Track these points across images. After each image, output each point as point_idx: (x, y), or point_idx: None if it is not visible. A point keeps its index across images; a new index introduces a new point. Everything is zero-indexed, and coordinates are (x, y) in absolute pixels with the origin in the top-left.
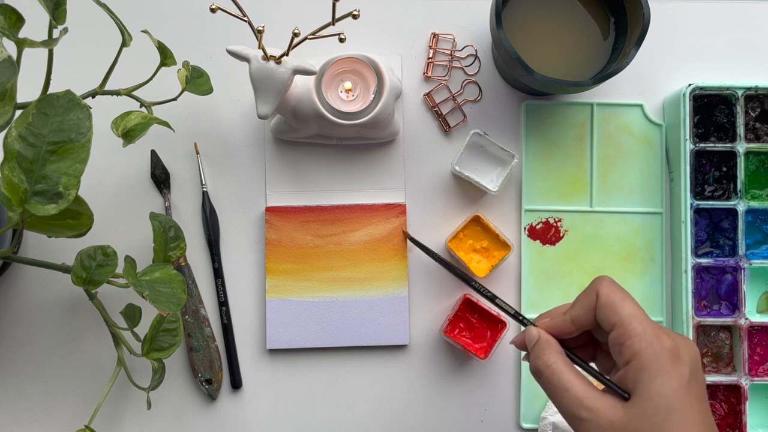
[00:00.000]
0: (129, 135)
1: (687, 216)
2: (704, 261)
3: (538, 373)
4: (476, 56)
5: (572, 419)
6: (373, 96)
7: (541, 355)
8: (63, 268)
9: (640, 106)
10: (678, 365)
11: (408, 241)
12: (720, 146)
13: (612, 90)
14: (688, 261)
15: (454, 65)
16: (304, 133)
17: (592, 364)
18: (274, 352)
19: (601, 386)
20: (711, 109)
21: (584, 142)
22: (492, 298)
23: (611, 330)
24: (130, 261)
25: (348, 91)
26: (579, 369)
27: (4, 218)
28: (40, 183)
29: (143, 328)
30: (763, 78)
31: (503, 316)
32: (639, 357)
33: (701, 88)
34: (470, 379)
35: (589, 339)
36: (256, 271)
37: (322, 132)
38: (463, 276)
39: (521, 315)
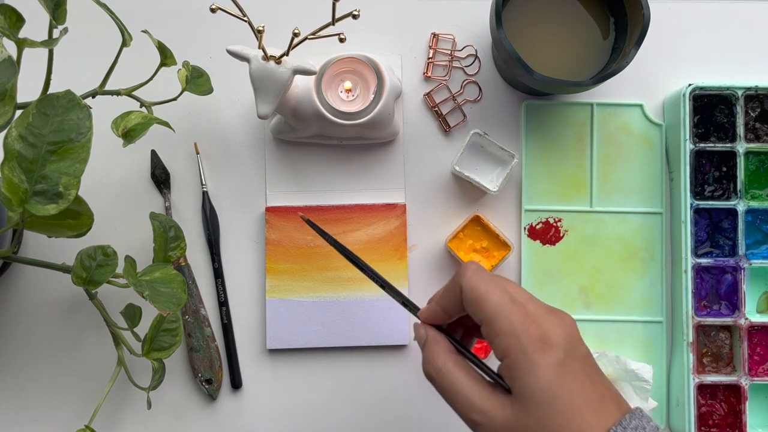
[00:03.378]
0: (129, 135)
1: (687, 216)
2: (704, 261)
3: (430, 379)
4: (476, 56)
5: (467, 423)
6: (373, 96)
7: (430, 359)
8: (63, 268)
9: (640, 106)
10: (549, 353)
11: (406, 240)
12: (720, 146)
13: (612, 90)
14: (688, 261)
15: (454, 65)
16: (304, 133)
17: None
18: (274, 352)
19: None
20: (711, 109)
21: (584, 142)
22: (382, 286)
23: (481, 325)
24: (130, 261)
25: (348, 91)
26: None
27: (4, 218)
28: (40, 183)
29: (143, 328)
30: (763, 78)
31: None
32: (508, 355)
33: (701, 88)
34: None
35: None
36: (256, 271)
37: (322, 132)
38: (358, 262)
39: (410, 303)
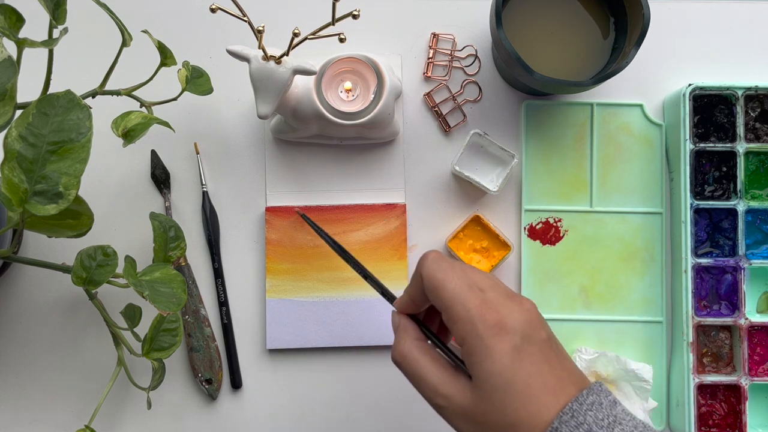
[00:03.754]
0: (129, 135)
1: (687, 216)
2: (704, 261)
3: (397, 364)
4: (476, 56)
5: (433, 406)
6: (373, 96)
7: (397, 346)
8: (63, 268)
9: (640, 106)
10: (504, 338)
11: (406, 240)
12: (720, 146)
13: (612, 90)
14: (688, 261)
15: (454, 65)
16: (304, 133)
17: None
18: (274, 352)
19: None
20: (711, 109)
21: (584, 142)
22: (364, 276)
23: (442, 312)
24: (130, 261)
25: (348, 91)
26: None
27: (4, 218)
28: (40, 183)
29: (143, 328)
30: (763, 78)
31: None
32: (466, 341)
33: (701, 88)
34: None
35: None
36: (256, 271)
37: (322, 132)
38: (344, 254)
39: (389, 293)
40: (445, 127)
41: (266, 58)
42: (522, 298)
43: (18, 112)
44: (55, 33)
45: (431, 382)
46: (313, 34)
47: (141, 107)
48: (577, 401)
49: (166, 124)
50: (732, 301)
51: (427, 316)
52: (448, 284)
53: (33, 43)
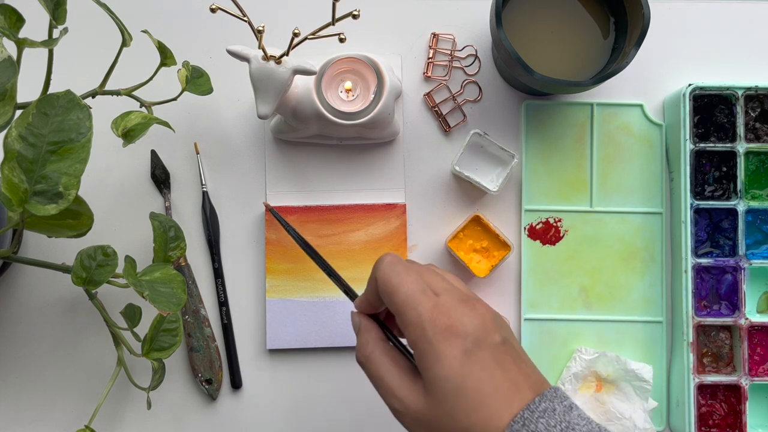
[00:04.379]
0: (129, 135)
1: (687, 216)
2: (704, 261)
3: (361, 365)
4: (476, 56)
5: (390, 409)
6: (373, 96)
7: (360, 347)
8: (63, 268)
9: (640, 106)
10: (454, 343)
11: (406, 240)
12: (720, 146)
13: (612, 90)
14: (688, 261)
15: (454, 65)
16: (304, 133)
17: None
18: (274, 352)
19: None
20: (711, 109)
21: (584, 142)
22: (328, 273)
23: (395, 316)
24: (130, 261)
25: (348, 91)
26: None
27: (4, 218)
28: (40, 183)
29: (143, 328)
30: (763, 78)
31: None
32: (417, 346)
33: (701, 88)
34: None
35: None
36: (256, 271)
37: (322, 132)
38: (310, 251)
39: (351, 291)
40: (445, 127)
41: (266, 58)
42: (477, 301)
43: (18, 112)
44: (55, 33)
45: (390, 384)
46: (313, 34)
47: (141, 107)
48: (529, 409)
49: (166, 124)
50: (732, 301)
51: (388, 316)
52: (402, 288)
53: (33, 43)
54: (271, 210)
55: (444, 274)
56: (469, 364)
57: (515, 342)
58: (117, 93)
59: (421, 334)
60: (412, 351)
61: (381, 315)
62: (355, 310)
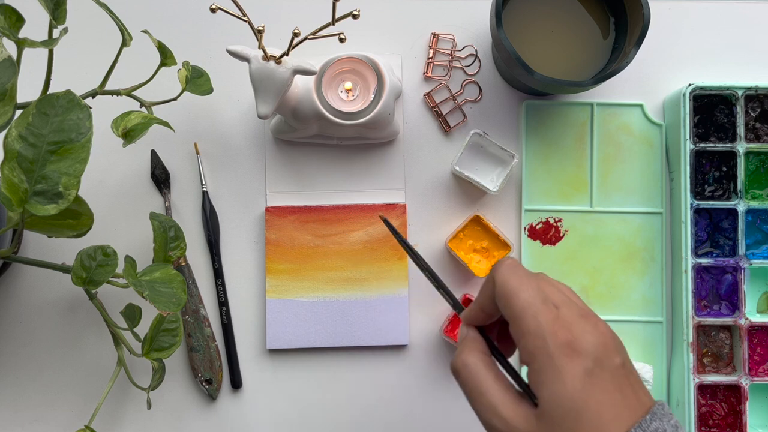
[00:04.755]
0: (129, 135)
1: (687, 216)
2: (704, 261)
3: (455, 373)
4: (476, 56)
5: (485, 425)
6: (373, 96)
7: (460, 354)
8: (63, 268)
9: (640, 106)
10: (576, 360)
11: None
12: (720, 146)
13: (612, 90)
14: (688, 261)
15: (454, 65)
16: (304, 133)
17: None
18: (274, 352)
19: None
20: (711, 109)
21: (584, 142)
22: (437, 287)
23: (510, 323)
24: (130, 261)
25: (348, 91)
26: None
27: (4, 218)
28: (40, 183)
29: (143, 328)
30: (763, 78)
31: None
32: (535, 359)
33: (701, 88)
34: None
35: None
36: (256, 271)
37: (322, 132)
38: (422, 263)
39: (459, 305)
40: (445, 127)
41: (266, 58)
42: (597, 318)
43: (18, 112)
44: (55, 33)
45: (492, 400)
46: (313, 34)
47: (141, 107)
48: (641, 427)
49: (166, 124)
50: (732, 301)
51: (498, 335)
52: (521, 294)
53: (33, 43)
54: (386, 222)
55: (559, 285)
56: (591, 385)
57: (631, 365)
58: (117, 93)
59: (541, 346)
60: (523, 365)
61: (492, 334)
62: (463, 325)
